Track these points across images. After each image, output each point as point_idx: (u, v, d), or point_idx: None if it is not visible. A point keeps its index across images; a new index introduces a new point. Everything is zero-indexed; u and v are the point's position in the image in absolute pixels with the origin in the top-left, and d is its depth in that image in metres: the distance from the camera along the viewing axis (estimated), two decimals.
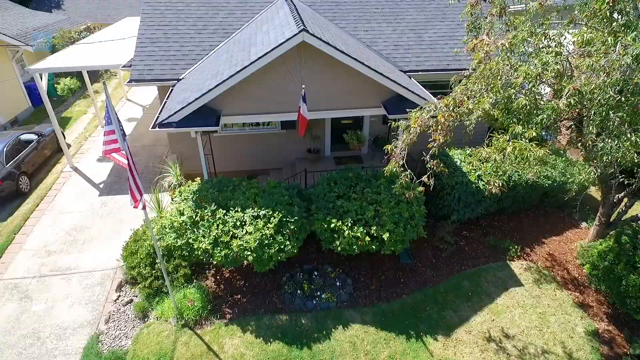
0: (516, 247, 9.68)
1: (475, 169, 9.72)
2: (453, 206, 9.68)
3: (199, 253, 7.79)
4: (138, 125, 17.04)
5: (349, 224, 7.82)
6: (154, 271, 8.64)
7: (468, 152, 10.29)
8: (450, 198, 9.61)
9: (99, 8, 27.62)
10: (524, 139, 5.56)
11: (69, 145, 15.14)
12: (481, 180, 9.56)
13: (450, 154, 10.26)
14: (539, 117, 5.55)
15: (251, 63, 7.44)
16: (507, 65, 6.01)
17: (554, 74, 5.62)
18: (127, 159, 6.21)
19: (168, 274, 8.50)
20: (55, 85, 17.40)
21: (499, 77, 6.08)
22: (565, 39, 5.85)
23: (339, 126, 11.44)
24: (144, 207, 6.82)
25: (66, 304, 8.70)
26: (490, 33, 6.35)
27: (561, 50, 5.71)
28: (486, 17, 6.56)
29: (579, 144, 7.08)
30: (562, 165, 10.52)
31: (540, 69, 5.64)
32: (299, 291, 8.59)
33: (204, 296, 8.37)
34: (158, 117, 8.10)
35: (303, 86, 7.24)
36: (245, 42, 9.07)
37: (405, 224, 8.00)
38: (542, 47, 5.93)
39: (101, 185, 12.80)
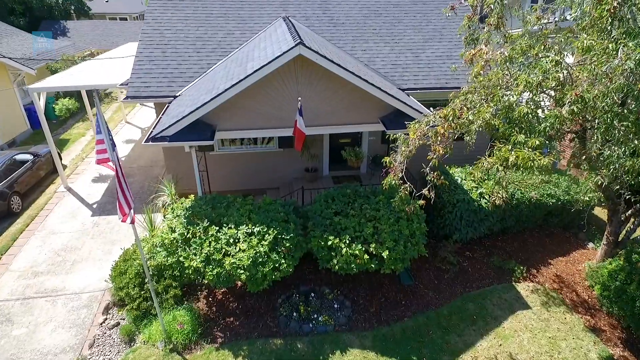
0: (522, 268, 9.29)
1: (477, 187, 9.49)
2: (455, 225, 9.37)
3: (190, 272, 7.43)
4: (135, 146, 16.95)
5: (347, 242, 7.50)
6: (142, 292, 8.24)
7: (469, 169, 10.08)
8: (452, 216, 9.31)
9: (103, 35, 28.23)
10: (526, 148, 5.35)
11: (65, 167, 14.99)
12: (483, 198, 9.30)
13: (450, 172, 10.05)
14: (542, 125, 5.37)
15: (247, 76, 7.36)
16: (507, 74, 5.89)
17: (555, 82, 5.48)
18: (116, 170, 6.00)
19: (157, 294, 8.11)
20: (54, 106, 17.38)
21: (498, 87, 5.95)
22: (564, 51, 5.74)
23: (337, 145, 11.29)
24: (132, 222, 6.54)
25: (49, 328, 8.24)
26: (488, 43, 6.27)
27: (561, 60, 5.59)
28: (484, 27, 6.50)
29: (583, 157, 6.87)
30: (566, 184, 10.28)
31: (540, 77, 5.51)
32: (294, 314, 8.16)
33: (194, 319, 7.93)
34: (151, 131, 7.94)
35: (299, 98, 7.12)
36: (243, 59, 9.05)
37: (405, 241, 7.68)
38: (542, 57, 5.82)
39: (94, 206, 12.53)
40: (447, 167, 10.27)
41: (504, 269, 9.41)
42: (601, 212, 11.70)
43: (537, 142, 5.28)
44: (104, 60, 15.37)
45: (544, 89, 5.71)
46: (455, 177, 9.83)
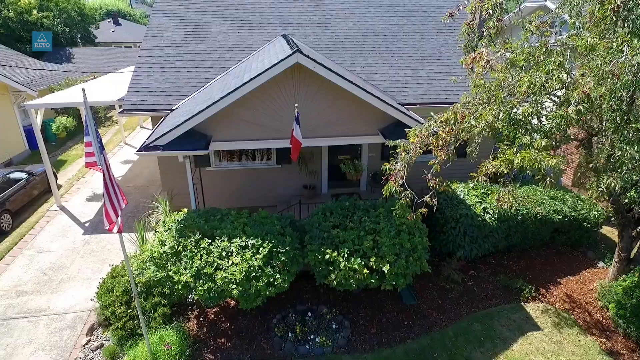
0: (530, 287, 8.83)
1: (480, 201, 9.18)
2: (458, 242, 8.99)
3: (180, 287, 7.01)
4: (133, 166, 16.78)
5: (346, 255, 7.12)
6: (129, 310, 7.77)
7: (471, 185, 9.81)
8: (455, 232, 8.94)
9: (107, 61, 28.72)
10: (532, 149, 5.11)
11: (59, 186, 14.75)
12: (487, 213, 8.97)
13: (453, 187, 9.76)
14: (548, 125, 5.15)
15: (243, 84, 7.23)
16: (509, 77, 5.73)
17: (558, 84, 5.31)
18: (104, 174, 5.73)
19: (144, 312, 7.64)
20: (51, 124, 17.37)
21: (500, 90, 5.78)
22: (567, 54, 5.60)
23: (336, 161, 11.08)
24: (119, 231, 6.21)
25: (28, 351, 7.73)
26: (488, 47, 6.16)
27: (564, 61, 5.44)
28: (483, 31, 6.41)
29: (590, 166, 6.62)
30: (572, 201, 9.97)
31: (544, 78, 5.34)
32: (290, 334, 7.65)
33: (183, 339, 7.43)
34: (145, 141, 7.74)
35: (296, 105, 6.95)
36: (240, 72, 8.99)
37: (407, 255, 7.29)
38: (544, 60, 5.68)
39: (87, 224, 12.18)
40: (449, 182, 9.98)
41: (511, 289, 8.94)
42: (610, 232, 11.32)
43: (544, 143, 5.04)
44: (103, 80, 15.45)
45: (548, 91, 5.53)
46: (458, 192, 9.53)
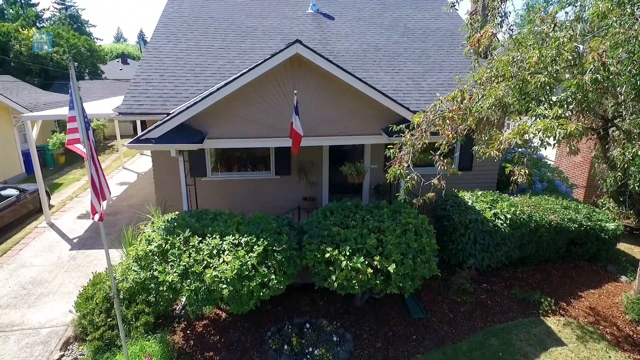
0: (549, 300, 8.08)
1: (490, 207, 8.65)
2: (469, 250, 8.37)
3: (165, 288, 6.36)
4: (129, 188, 16.39)
5: (347, 254, 6.52)
6: (109, 319, 7.06)
7: (479, 193, 9.33)
8: (465, 239, 8.34)
9: (113, 93, 29.17)
10: (547, 119, 4.72)
11: (51, 206, 14.28)
12: (498, 218, 8.41)
13: (460, 195, 9.27)
14: (563, 93, 4.80)
15: (242, 74, 7.02)
16: (518, 54, 5.47)
17: (570, 55, 5.02)
18: (92, 152, 5.31)
19: (125, 320, 6.93)
20: (48, 140, 17.25)
21: (509, 65, 5.49)
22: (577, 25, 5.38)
23: (337, 171, 10.67)
24: (101, 219, 5.70)
25: None
26: (493, 25, 5.95)
27: (575, 34, 5.20)
28: (487, 14, 6.24)
29: (606, 155, 6.21)
30: (586, 211, 9.43)
31: (554, 51, 5.07)
32: (286, 346, 6.86)
33: (166, 351, 6.66)
34: (137, 135, 7.40)
35: (295, 92, 6.66)
36: None
37: (414, 255, 6.69)
38: (553, 35, 5.44)
39: (75, 240, 11.59)
40: (456, 190, 9.52)
41: (528, 302, 8.18)
42: (628, 248, 10.67)
43: (560, 111, 4.66)
44: (105, 100, 15.46)
45: (560, 65, 5.23)
46: (466, 200, 9.03)
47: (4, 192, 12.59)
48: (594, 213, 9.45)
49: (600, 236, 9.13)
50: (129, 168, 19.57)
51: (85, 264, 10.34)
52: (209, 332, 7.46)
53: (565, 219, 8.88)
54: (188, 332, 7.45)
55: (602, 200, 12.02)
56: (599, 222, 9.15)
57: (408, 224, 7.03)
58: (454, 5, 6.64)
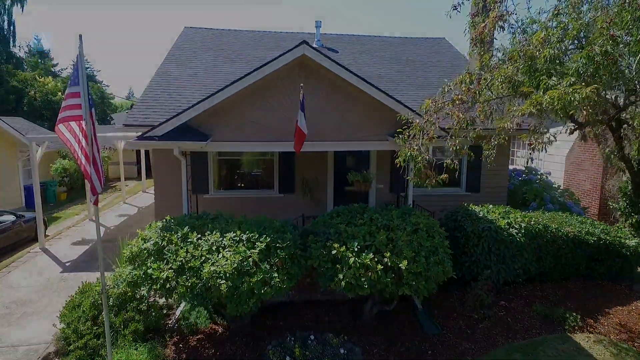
0: (575, 314, 7.43)
1: (502, 217, 8.28)
2: (483, 261, 7.87)
3: (158, 286, 5.89)
4: (129, 219, 16.08)
5: (355, 250, 6.10)
6: (95, 327, 6.47)
7: (490, 206, 9.01)
8: (479, 250, 7.87)
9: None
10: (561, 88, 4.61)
11: (47, 236, 13.86)
12: (513, 227, 8.01)
13: (470, 207, 8.94)
14: (574, 64, 4.73)
15: (248, 74, 7.07)
16: (524, 37, 5.52)
17: (577, 31, 5.04)
18: (93, 130, 5.16)
19: (112, 327, 6.33)
20: (51, 165, 17.27)
21: (514, 51, 5.51)
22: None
23: (342, 189, 10.45)
24: (95, 203, 5.43)
25: None
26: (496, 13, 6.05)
27: (580, 16, 5.27)
28: (490, 8, 6.38)
29: (621, 152, 6.03)
30: (603, 226, 9.03)
31: (560, 33, 5.11)
32: (287, 358, 6.18)
33: None
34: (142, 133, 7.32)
35: (301, 85, 6.64)
36: None
37: (427, 254, 6.25)
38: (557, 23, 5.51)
39: (67, 264, 11.09)
40: (465, 203, 9.20)
41: (552, 318, 7.52)
42: None
43: (573, 79, 4.57)
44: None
45: (567, 46, 5.24)
46: (478, 211, 8.68)
47: (0, 217, 12.32)
48: (612, 230, 9.04)
49: (621, 252, 8.64)
50: (130, 203, 19.35)
51: (75, 286, 9.65)
52: (203, 345, 6.80)
53: (583, 232, 8.46)
54: (181, 345, 6.79)
55: (617, 226, 11.60)
56: (618, 238, 8.71)
57: (419, 223, 6.67)
58: (456, 8, 6.82)
